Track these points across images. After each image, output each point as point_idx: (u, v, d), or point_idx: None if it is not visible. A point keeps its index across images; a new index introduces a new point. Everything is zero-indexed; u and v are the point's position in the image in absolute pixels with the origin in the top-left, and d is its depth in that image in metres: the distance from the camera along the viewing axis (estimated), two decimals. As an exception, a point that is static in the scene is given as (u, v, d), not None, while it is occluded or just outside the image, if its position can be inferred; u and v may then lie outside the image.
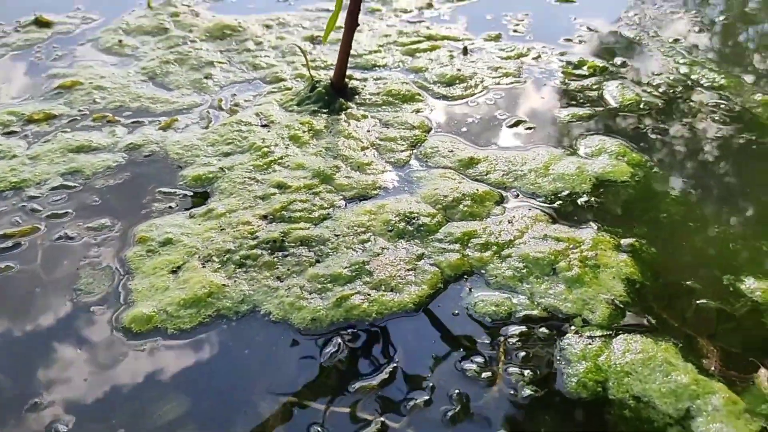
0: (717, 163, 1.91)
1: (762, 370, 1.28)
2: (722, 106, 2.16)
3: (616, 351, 1.31)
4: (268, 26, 2.75)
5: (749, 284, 1.47)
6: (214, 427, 1.19)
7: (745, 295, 1.45)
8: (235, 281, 1.49)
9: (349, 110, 2.12)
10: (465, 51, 2.51)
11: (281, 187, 1.78)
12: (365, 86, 2.26)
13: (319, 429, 1.19)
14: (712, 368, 1.29)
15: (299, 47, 2.39)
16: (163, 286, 1.47)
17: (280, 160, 1.88)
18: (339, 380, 1.29)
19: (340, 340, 1.36)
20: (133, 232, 1.64)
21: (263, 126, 2.04)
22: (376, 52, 2.53)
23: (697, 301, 1.44)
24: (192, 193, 1.78)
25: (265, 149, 1.92)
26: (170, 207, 1.73)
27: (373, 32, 2.71)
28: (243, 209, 1.70)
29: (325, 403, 1.24)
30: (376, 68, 2.43)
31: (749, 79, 2.34)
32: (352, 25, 2.04)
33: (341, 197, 1.75)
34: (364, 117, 2.10)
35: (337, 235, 1.61)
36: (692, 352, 1.32)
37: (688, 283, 1.48)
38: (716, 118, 2.10)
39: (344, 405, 1.24)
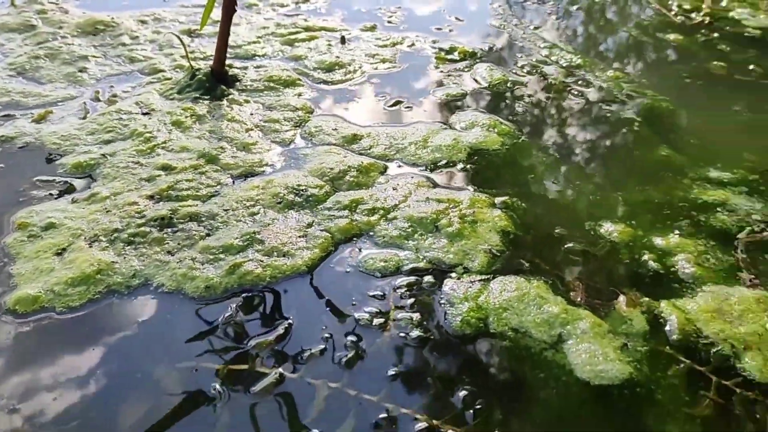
0: (575, 130, 2.10)
1: (621, 297, 1.43)
2: (579, 82, 2.37)
3: (494, 291, 1.42)
4: (143, 21, 2.72)
5: (607, 228, 1.63)
6: (110, 400, 1.19)
7: (604, 238, 1.61)
8: (124, 258, 1.48)
9: (230, 96, 2.14)
10: (342, 40, 2.60)
11: (166, 168, 1.78)
12: (246, 73, 2.29)
13: (219, 386, 1.21)
14: (579, 299, 1.43)
15: (178, 36, 2.39)
16: (48, 268, 1.44)
17: (163, 145, 1.88)
18: (236, 340, 1.31)
19: (235, 304, 1.38)
20: (11, 220, 1.58)
21: (144, 114, 2.02)
22: (255, 42, 2.56)
23: (564, 246, 1.58)
24: (73, 180, 1.74)
25: (148, 135, 1.91)
26: (50, 194, 1.69)
27: (251, 25, 2.74)
28: (128, 191, 1.69)
29: (222, 362, 1.27)
30: (256, 57, 2.47)
31: (600, 58, 2.58)
32: (229, 9, 2.06)
33: (228, 175, 1.78)
34: (247, 102, 2.13)
35: (226, 210, 1.64)
36: (561, 287, 1.46)
37: (555, 231, 1.63)
38: (573, 92, 2.30)
39: (242, 362, 1.27)
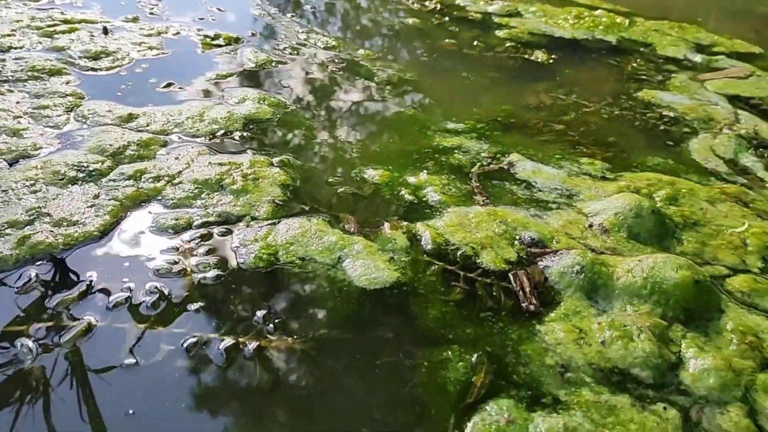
0: (336, 98, 2.37)
1: (385, 224, 1.71)
2: (336, 60, 2.65)
3: (280, 231, 1.62)
4: None
5: (370, 173, 1.91)
6: None
7: (368, 181, 1.88)
8: None
9: (-9, 87, 2.08)
10: (105, 31, 2.61)
11: (-71, 158, 1.71)
12: (5, 65, 2.23)
13: (27, 342, 1.26)
14: (352, 229, 1.68)
15: None
16: None
17: None
18: (37, 304, 1.36)
19: (31, 272, 1.42)
20: None
21: None
22: (9, 35, 2.48)
23: (337, 191, 1.83)
24: None
25: None
26: None
27: (1, 19, 2.63)
28: None
29: (26, 323, 1.31)
30: (13, 50, 2.39)
31: (352, 40, 2.90)
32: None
33: (1, 160, 1.76)
34: (10, 92, 2.09)
35: (4, 191, 1.63)
36: (337, 223, 1.70)
37: (328, 180, 1.87)
38: (331, 68, 2.57)
39: (47, 320, 1.32)
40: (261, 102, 2.21)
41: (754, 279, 1.65)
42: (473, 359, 1.34)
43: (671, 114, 2.52)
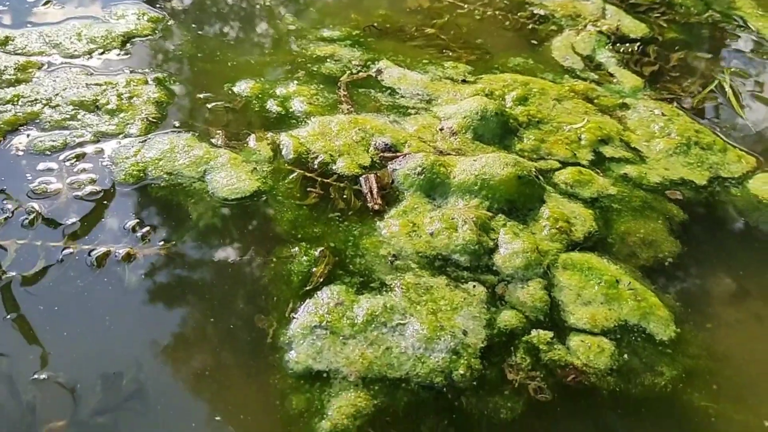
0: (214, 13, 2.44)
1: (251, 136, 1.87)
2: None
3: (150, 148, 1.77)
4: None
5: (242, 86, 2.04)
6: None
7: (240, 95, 2.02)
8: None
9: None
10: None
11: None
12: None
13: None
14: (220, 143, 1.84)
15: None
16: None
17: None
18: None
19: None
20: None
21: None
22: None
23: (209, 106, 1.97)
24: None
25: None
26: None
27: None
28: None
29: None
30: None
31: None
32: None
33: None
34: None
35: None
36: (207, 137, 1.85)
37: (201, 95, 2.00)
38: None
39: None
40: (141, 17, 2.28)
41: (579, 171, 1.89)
42: (317, 253, 1.56)
43: (542, 12, 2.67)
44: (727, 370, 1.40)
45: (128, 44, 2.16)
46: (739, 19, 2.80)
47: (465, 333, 1.40)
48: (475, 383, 1.32)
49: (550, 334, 1.42)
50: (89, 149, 1.76)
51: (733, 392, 1.38)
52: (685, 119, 2.16)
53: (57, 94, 1.90)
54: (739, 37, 2.72)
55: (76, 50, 2.09)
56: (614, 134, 2.05)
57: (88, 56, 2.08)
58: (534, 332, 1.43)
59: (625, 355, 1.40)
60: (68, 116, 1.84)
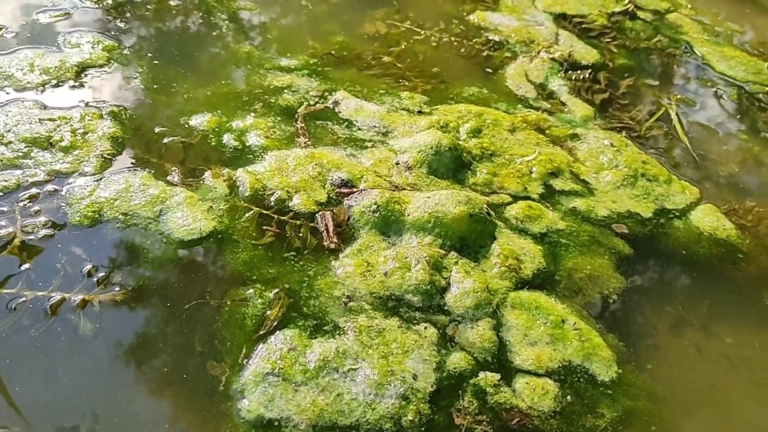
0: (171, 40, 2.44)
1: (207, 172, 1.88)
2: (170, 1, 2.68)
3: (104, 187, 1.77)
4: None
5: (199, 120, 2.05)
6: None
7: (196, 129, 2.03)
8: None
9: None
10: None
11: None
12: None
13: None
14: (176, 180, 1.85)
15: None
16: None
17: None
18: None
19: None
20: None
21: None
22: None
23: (165, 141, 1.97)
24: None
25: None
26: None
27: None
28: None
29: None
30: None
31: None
32: None
33: None
34: None
35: None
36: (162, 175, 1.86)
37: (157, 129, 2.00)
38: (167, 9, 2.60)
39: None
40: (95, 46, 2.27)
41: (530, 206, 1.95)
42: (271, 296, 1.59)
43: (496, 38, 2.72)
44: (665, 410, 1.47)
45: (83, 75, 2.15)
46: (686, 44, 2.90)
47: (415, 377, 1.44)
48: (423, 429, 1.36)
49: (497, 376, 1.48)
50: (43, 189, 1.75)
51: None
52: (633, 149, 2.24)
53: (9, 130, 1.88)
54: (686, 62, 2.82)
55: (28, 82, 2.07)
56: (564, 166, 2.12)
57: (41, 89, 2.06)
58: (482, 374, 1.48)
59: (569, 397, 1.46)
60: (21, 154, 1.83)
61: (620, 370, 1.53)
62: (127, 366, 1.45)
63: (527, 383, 1.47)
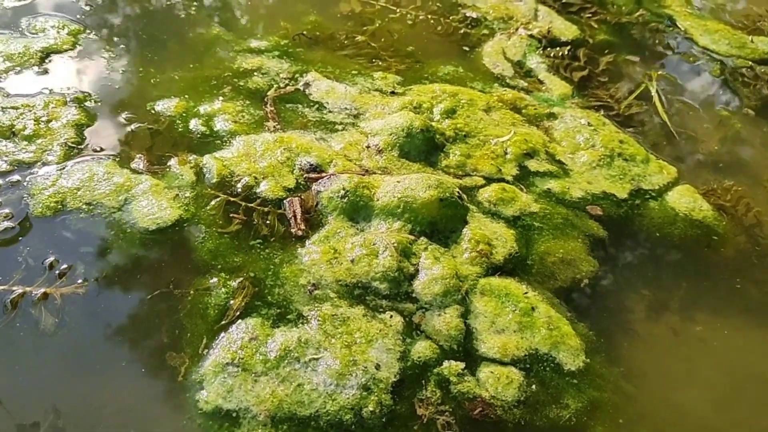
0: (136, 23, 2.38)
1: (173, 159, 1.85)
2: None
3: (67, 177, 1.74)
4: None
5: (165, 105, 2.01)
6: None
7: (163, 114, 1.99)
8: None
9: None
10: None
11: None
12: None
13: None
14: (141, 167, 1.82)
15: None
16: None
17: None
18: None
19: None
20: None
21: None
22: None
23: (131, 127, 1.94)
24: None
25: None
26: None
27: None
28: None
29: None
30: None
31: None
32: None
33: None
34: None
35: None
36: (128, 162, 1.83)
37: (123, 116, 1.96)
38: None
39: None
40: (60, 31, 2.22)
41: (503, 188, 1.92)
42: (235, 285, 1.57)
43: (474, 15, 2.67)
44: (632, 402, 1.46)
45: (47, 60, 2.11)
46: (668, 18, 2.84)
47: (378, 367, 1.43)
48: (384, 420, 1.35)
49: (462, 365, 1.46)
50: (5, 180, 1.72)
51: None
52: (610, 129, 2.20)
53: (-29, 120, 1.85)
54: (668, 37, 2.77)
55: (-9, 68, 2.04)
56: (540, 147, 2.09)
57: (4, 76, 2.02)
58: (446, 363, 1.47)
59: (533, 386, 1.45)
60: (-18, 144, 1.80)
61: (588, 360, 1.52)
62: (88, 360, 1.43)
63: (492, 372, 1.46)
